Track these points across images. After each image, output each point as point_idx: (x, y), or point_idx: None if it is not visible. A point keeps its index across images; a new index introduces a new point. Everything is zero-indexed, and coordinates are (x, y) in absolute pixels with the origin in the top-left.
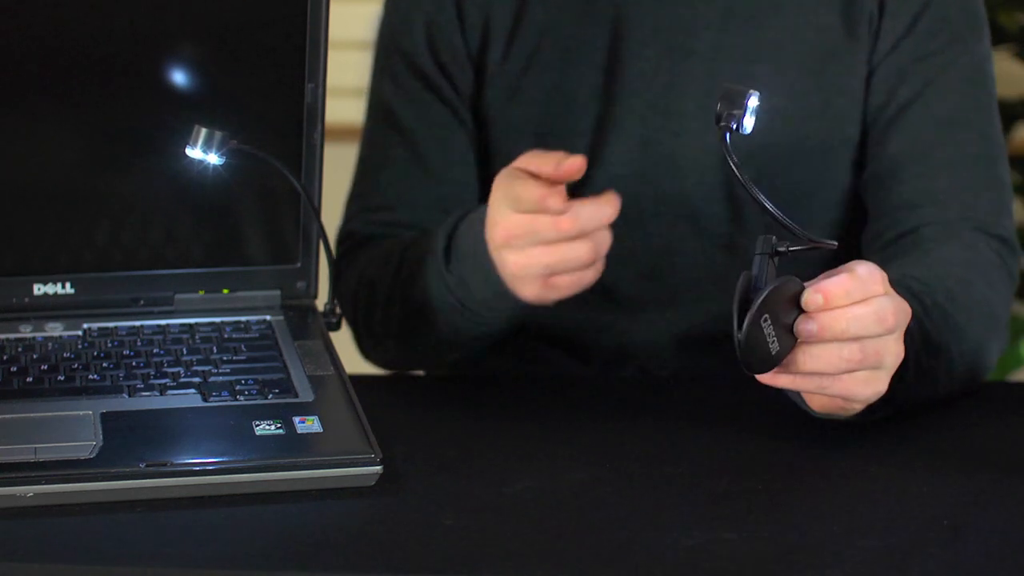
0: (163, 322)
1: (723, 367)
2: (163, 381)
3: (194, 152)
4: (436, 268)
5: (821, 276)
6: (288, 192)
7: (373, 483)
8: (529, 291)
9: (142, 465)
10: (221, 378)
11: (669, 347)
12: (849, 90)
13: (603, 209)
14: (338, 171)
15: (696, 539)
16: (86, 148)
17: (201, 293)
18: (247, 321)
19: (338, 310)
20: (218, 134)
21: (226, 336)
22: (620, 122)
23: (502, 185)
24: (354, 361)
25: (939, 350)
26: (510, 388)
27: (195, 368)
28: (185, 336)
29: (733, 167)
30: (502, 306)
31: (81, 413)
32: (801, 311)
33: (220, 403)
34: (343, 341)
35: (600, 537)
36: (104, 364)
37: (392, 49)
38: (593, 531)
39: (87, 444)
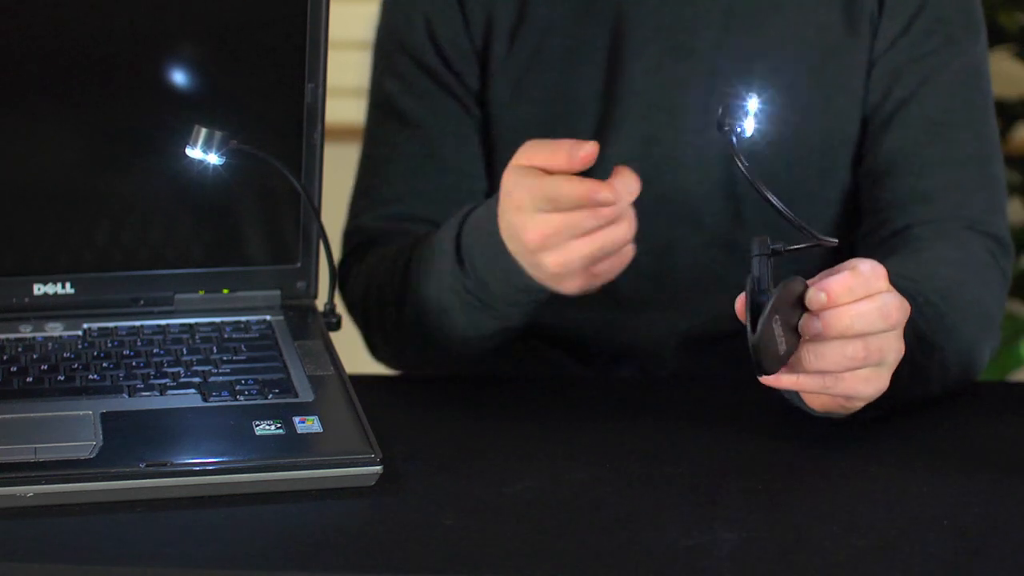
0: (163, 322)
1: (723, 367)
2: (163, 381)
3: (194, 152)
4: (450, 270)
5: (823, 274)
6: (288, 192)
7: (373, 483)
8: (573, 285)
9: (142, 465)
10: (221, 378)
11: (669, 347)
12: (850, 88)
13: (631, 184)
14: (338, 171)
15: (696, 539)
16: (86, 148)
17: (201, 293)
18: (247, 321)
19: (338, 310)
20: (218, 134)
21: (226, 336)
22: (621, 121)
23: (522, 186)
24: (354, 361)
25: (932, 349)
26: (510, 388)
27: (195, 368)
28: (185, 336)
29: (743, 169)
30: (525, 299)
31: (81, 413)
32: (805, 310)
33: (220, 403)
34: (343, 341)
35: (600, 537)
36: (104, 364)
37: (394, 48)
38: (593, 531)
39: (87, 444)
